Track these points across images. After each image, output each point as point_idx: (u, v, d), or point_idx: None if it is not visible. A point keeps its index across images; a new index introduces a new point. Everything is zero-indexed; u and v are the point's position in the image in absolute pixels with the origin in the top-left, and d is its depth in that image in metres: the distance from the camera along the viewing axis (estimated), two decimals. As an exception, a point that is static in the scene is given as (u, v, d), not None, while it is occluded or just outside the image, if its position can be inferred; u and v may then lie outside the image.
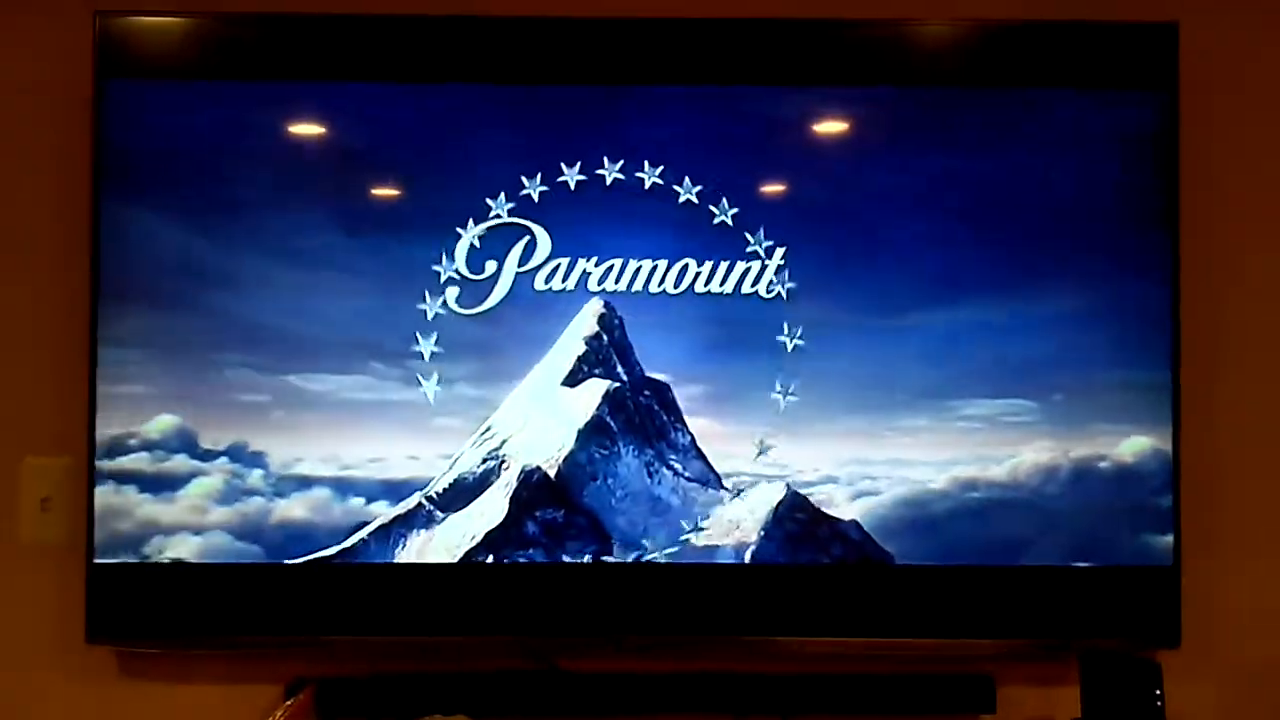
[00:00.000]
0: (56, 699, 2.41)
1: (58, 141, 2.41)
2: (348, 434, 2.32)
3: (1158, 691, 2.22)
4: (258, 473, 2.32)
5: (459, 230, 2.33)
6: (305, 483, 2.32)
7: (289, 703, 2.30)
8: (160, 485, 2.32)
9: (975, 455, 2.36)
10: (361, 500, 2.32)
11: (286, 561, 2.33)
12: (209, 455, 2.32)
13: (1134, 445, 2.37)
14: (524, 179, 2.34)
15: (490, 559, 2.32)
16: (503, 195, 2.34)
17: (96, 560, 2.32)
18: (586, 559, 2.33)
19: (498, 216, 2.33)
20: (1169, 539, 2.37)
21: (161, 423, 2.33)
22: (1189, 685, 2.38)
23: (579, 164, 2.34)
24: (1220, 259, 2.47)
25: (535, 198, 2.33)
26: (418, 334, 2.33)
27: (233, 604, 2.35)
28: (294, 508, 2.32)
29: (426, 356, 2.33)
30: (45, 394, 2.42)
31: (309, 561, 2.33)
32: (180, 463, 2.32)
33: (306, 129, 2.38)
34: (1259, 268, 2.51)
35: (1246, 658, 2.48)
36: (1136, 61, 2.39)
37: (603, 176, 2.34)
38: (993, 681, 2.43)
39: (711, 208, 2.34)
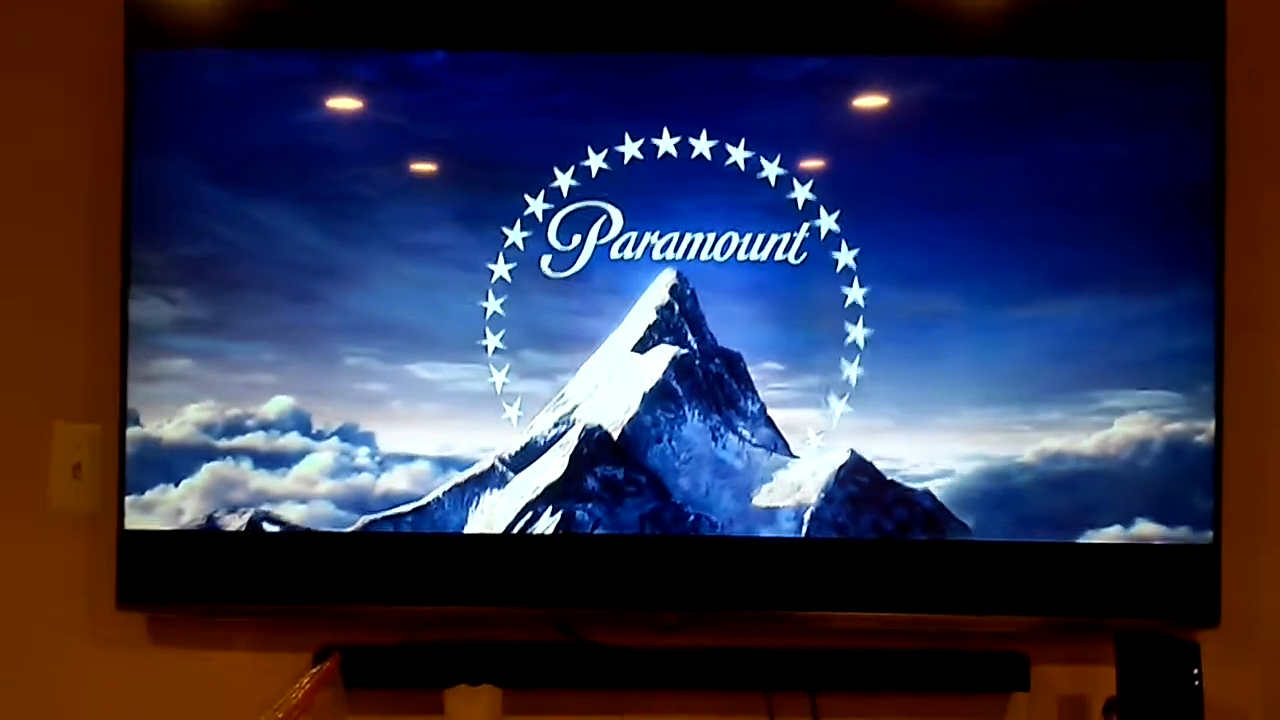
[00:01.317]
0: (87, 664, 2.43)
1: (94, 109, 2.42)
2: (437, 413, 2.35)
3: (1195, 671, 2.17)
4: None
5: (528, 199, 2.35)
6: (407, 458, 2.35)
7: (314, 670, 2.30)
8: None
9: (1008, 437, 2.34)
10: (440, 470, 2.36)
11: (314, 530, 2.34)
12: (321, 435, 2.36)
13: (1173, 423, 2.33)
14: (591, 151, 2.35)
15: (550, 511, 2.34)
16: (571, 169, 2.35)
17: (127, 527, 2.34)
18: (648, 510, 2.34)
19: (573, 189, 2.34)
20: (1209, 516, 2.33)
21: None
22: (1228, 666, 2.34)
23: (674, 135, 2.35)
24: (1265, 242, 2.43)
25: (609, 169, 2.35)
26: (490, 308, 2.35)
27: (263, 571, 2.36)
28: (392, 478, 2.36)
29: (494, 342, 2.34)
30: (77, 361, 2.43)
31: (339, 532, 2.34)
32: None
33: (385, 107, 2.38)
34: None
35: (1289, 638, 2.43)
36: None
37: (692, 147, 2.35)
38: (1027, 660, 2.39)
39: (793, 184, 2.34)
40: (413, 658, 2.38)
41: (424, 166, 2.37)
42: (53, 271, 2.45)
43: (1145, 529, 2.34)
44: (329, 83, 2.37)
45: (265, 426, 2.35)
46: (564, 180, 2.34)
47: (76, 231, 2.44)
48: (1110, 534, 2.33)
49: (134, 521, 2.34)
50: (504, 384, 2.35)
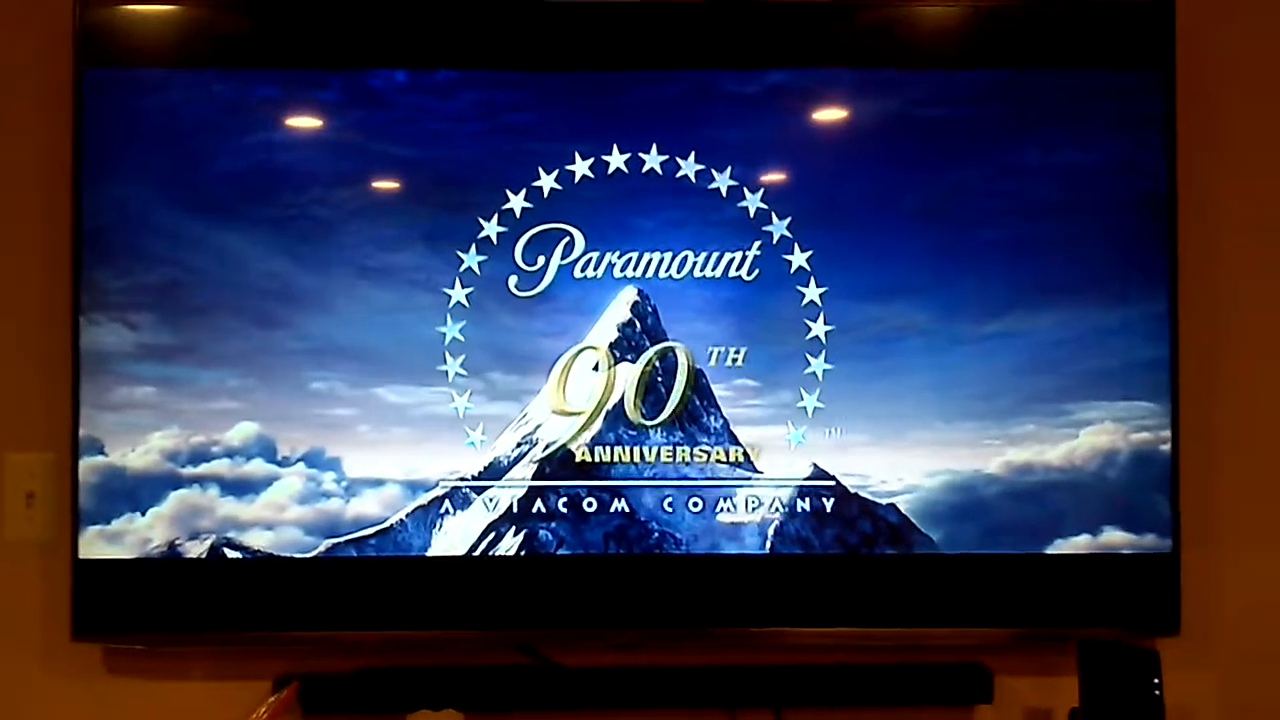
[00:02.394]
0: (43, 696, 2.38)
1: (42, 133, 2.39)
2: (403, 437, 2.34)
3: (1156, 680, 2.19)
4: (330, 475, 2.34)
5: (482, 221, 2.34)
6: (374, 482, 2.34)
7: (271, 699, 2.28)
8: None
9: (973, 451, 2.35)
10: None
11: (273, 555, 2.31)
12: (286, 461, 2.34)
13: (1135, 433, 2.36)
14: (542, 171, 2.35)
15: (513, 531, 2.33)
16: (524, 191, 2.34)
17: (82, 556, 2.30)
18: (612, 528, 2.34)
19: (525, 210, 2.34)
20: (1168, 525, 2.35)
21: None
22: (1189, 673, 2.36)
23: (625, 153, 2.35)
24: (1219, 253, 2.45)
25: (560, 189, 2.35)
26: (449, 334, 2.33)
27: (221, 599, 2.33)
28: (359, 503, 2.34)
29: (455, 366, 2.34)
30: (29, 391, 2.39)
31: (298, 557, 2.31)
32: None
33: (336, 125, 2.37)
34: (1259, 258, 2.48)
35: (1247, 645, 2.45)
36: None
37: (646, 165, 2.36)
38: (990, 672, 2.40)
39: (744, 194, 2.35)
40: (373, 684, 2.36)
41: (385, 188, 2.36)
42: (3, 298, 2.41)
43: (1107, 538, 2.35)
44: (288, 104, 2.35)
45: (230, 454, 2.33)
46: (516, 202, 2.34)
47: (28, 257, 2.40)
48: (1073, 544, 2.35)
49: (90, 551, 2.30)
50: (466, 407, 2.33)
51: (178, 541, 2.31)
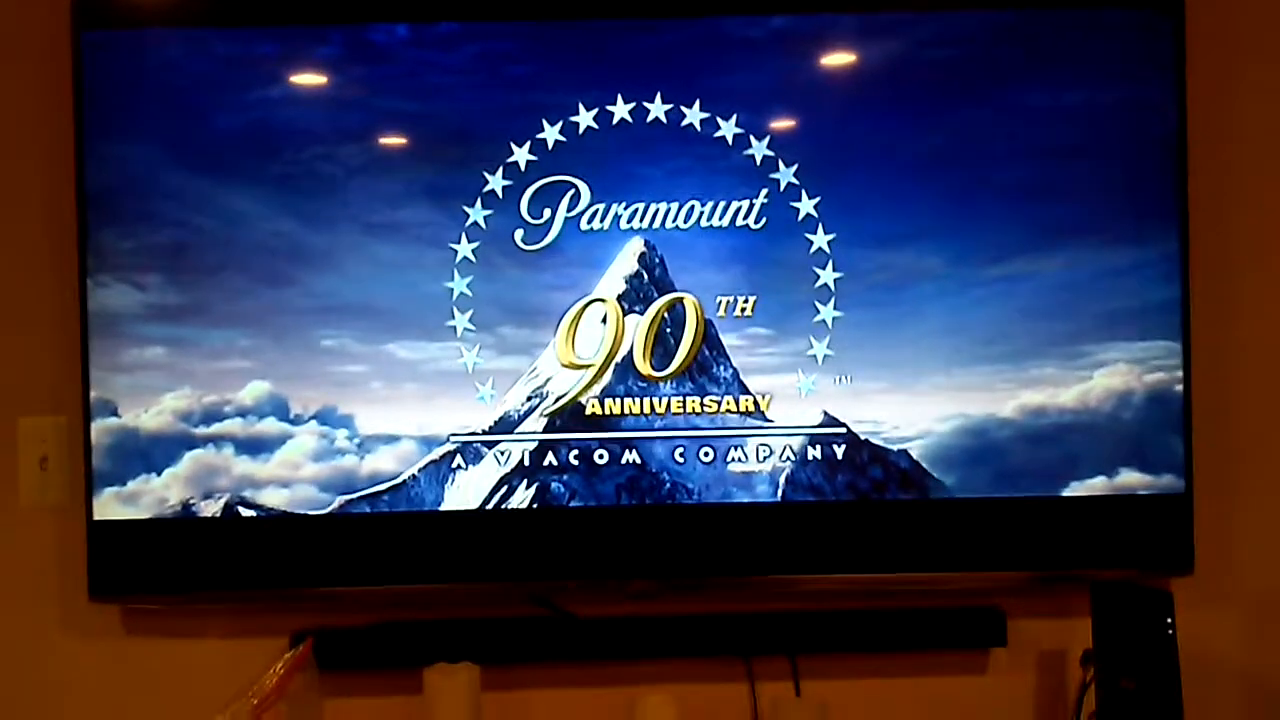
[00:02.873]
0: (62, 657, 2.40)
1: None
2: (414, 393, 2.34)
3: (1169, 620, 2.19)
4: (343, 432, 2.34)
5: (487, 176, 2.33)
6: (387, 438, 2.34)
7: (288, 655, 2.29)
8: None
9: (984, 394, 2.34)
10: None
11: (285, 513, 2.32)
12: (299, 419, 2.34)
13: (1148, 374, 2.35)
14: (546, 123, 2.33)
15: (525, 484, 2.33)
16: (528, 143, 2.33)
17: (96, 518, 2.31)
18: (624, 480, 2.34)
19: (530, 163, 2.33)
20: (1180, 466, 2.35)
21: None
22: (1203, 613, 2.37)
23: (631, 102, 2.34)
24: (1231, 192, 2.44)
25: (565, 140, 2.33)
26: (457, 288, 2.33)
27: (236, 557, 2.34)
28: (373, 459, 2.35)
29: (463, 321, 2.33)
30: (39, 354, 2.39)
31: (312, 514, 2.32)
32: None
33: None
34: (1272, 198, 2.46)
35: (1261, 585, 2.45)
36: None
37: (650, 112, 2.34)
38: (1003, 614, 2.40)
39: (750, 142, 2.33)
40: (389, 638, 2.37)
41: (389, 143, 2.34)
42: (10, 264, 2.41)
43: (1121, 480, 2.35)
44: (289, 60, 2.33)
45: (243, 413, 2.33)
46: (521, 155, 2.32)
47: (33, 221, 2.40)
48: (1086, 486, 2.35)
49: (105, 512, 2.31)
50: (475, 362, 2.33)
51: (192, 501, 2.32)
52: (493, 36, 2.34)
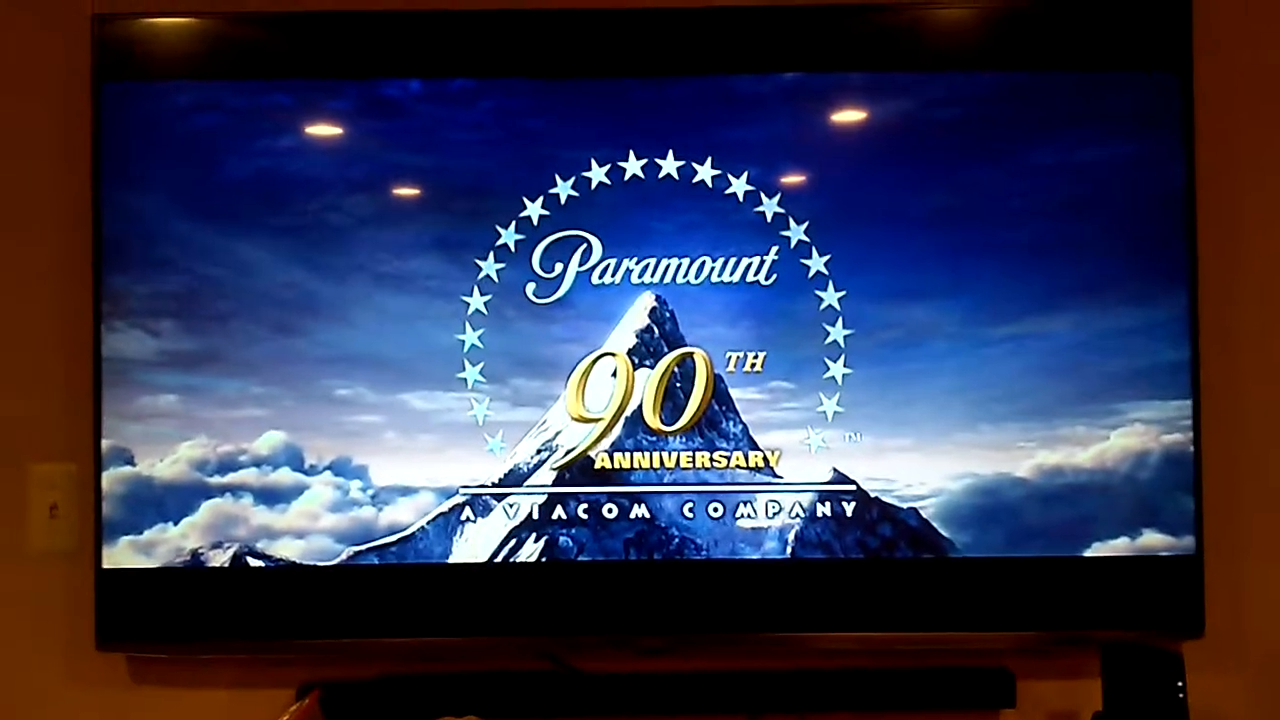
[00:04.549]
0: (68, 705, 2.40)
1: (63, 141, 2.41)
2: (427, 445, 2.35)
3: (1179, 683, 2.17)
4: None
5: (499, 229, 2.35)
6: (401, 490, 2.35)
7: (294, 707, 2.28)
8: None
9: (993, 455, 2.34)
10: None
11: (294, 564, 2.32)
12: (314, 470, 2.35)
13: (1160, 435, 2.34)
14: (559, 178, 2.35)
15: (534, 537, 2.33)
16: (540, 198, 2.35)
17: (105, 566, 2.32)
18: (633, 535, 2.33)
19: (543, 218, 2.34)
20: (1191, 527, 2.34)
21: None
22: (1214, 676, 2.35)
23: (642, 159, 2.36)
24: (1239, 251, 2.44)
25: (578, 195, 2.35)
26: (469, 340, 2.34)
27: (242, 608, 2.34)
28: (387, 511, 2.35)
29: (473, 374, 2.34)
30: (52, 401, 2.41)
31: (321, 565, 2.32)
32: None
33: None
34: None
35: (1273, 647, 2.43)
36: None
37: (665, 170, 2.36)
38: (1012, 676, 2.39)
39: (761, 199, 2.34)
40: (395, 691, 2.36)
41: (403, 196, 2.36)
42: (25, 309, 2.42)
43: (1131, 541, 2.34)
44: (304, 113, 2.36)
45: (258, 463, 2.34)
46: (534, 209, 2.34)
47: (49, 266, 2.41)
48: (1096, 547, 2.34)
49: (114, 560, 2.31)
50: (485, 414, 2.34)
51: (201, 550, 2.33)
52: (506, 93, 2.36)
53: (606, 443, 2.35)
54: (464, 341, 2.34)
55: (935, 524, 2.33)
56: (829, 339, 2.34)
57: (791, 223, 2.34)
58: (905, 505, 2.33)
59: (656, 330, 2.36)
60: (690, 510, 2.34)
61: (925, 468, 2.34)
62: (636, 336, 2.36)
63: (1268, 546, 2.43)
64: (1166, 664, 2.19)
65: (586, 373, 2.34)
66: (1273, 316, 2.46)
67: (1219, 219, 2.40)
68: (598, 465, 2.34)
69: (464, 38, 2.37)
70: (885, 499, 2.34)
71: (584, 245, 2.34)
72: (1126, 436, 2.34)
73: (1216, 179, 2.40)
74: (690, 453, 2.35)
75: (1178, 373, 2.34)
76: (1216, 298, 2.39)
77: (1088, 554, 2.34)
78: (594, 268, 2.34)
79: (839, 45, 2.37)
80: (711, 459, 2.35)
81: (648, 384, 2.35)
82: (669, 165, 2.35)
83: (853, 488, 2.34)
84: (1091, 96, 2.35)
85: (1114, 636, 2.29)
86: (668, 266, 2.34)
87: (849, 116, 2.38)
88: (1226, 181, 2.42)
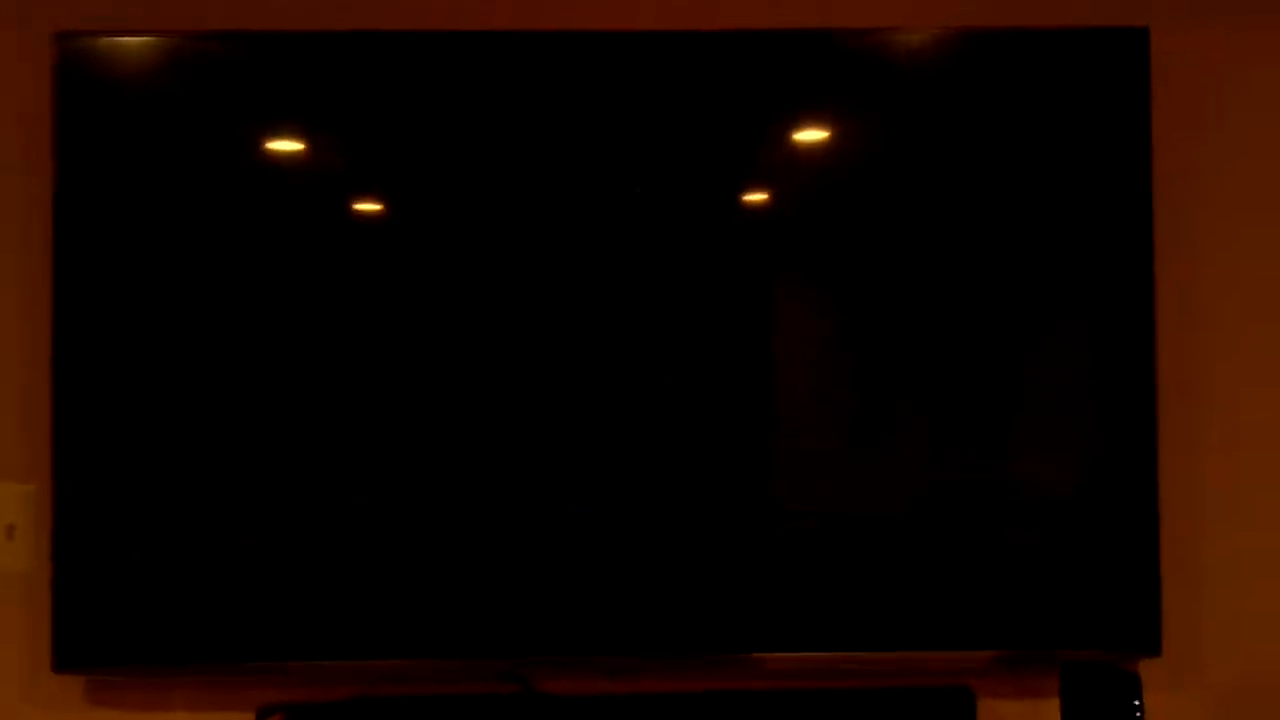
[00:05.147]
0: (23, 729, 2.38)
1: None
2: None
3: (1136, 703, 2.20)
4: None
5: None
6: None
7: (257, 730, 2.28)
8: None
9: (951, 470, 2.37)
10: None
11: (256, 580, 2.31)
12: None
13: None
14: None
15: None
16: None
17: (61, 587, 2.29)
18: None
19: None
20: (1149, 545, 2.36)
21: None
22: (1171, 695, 2.38)
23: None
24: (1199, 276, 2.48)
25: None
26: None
27: (201, 629, 2.32)
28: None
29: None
30: (9, 420, 2.39)
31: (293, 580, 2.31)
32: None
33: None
34: (1239, 281, 2.49)
35: (1230, 667, 2.46)
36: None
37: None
38: (973, 694, 2.40)
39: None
40: (359, 714, 2.35)
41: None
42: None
43: (1088, 557, 2.36)
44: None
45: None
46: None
47: (7, 288, 2.41)
48: (1054, 564, 2.36)
49: (69, 581, 2.29)
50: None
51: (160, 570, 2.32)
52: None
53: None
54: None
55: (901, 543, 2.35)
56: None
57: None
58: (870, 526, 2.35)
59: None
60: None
61: (888, 490, 2.36)
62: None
63: (1226, 565, 2.46)
64: (1124, 683, 2.21)
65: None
66: (1226, 309, 2.47)
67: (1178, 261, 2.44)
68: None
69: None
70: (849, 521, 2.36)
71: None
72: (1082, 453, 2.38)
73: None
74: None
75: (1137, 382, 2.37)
76: (1171, 293, 2.42)
77: (1047, 572, 2.35)
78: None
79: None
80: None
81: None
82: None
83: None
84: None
85: (1074, 655, 2.31)
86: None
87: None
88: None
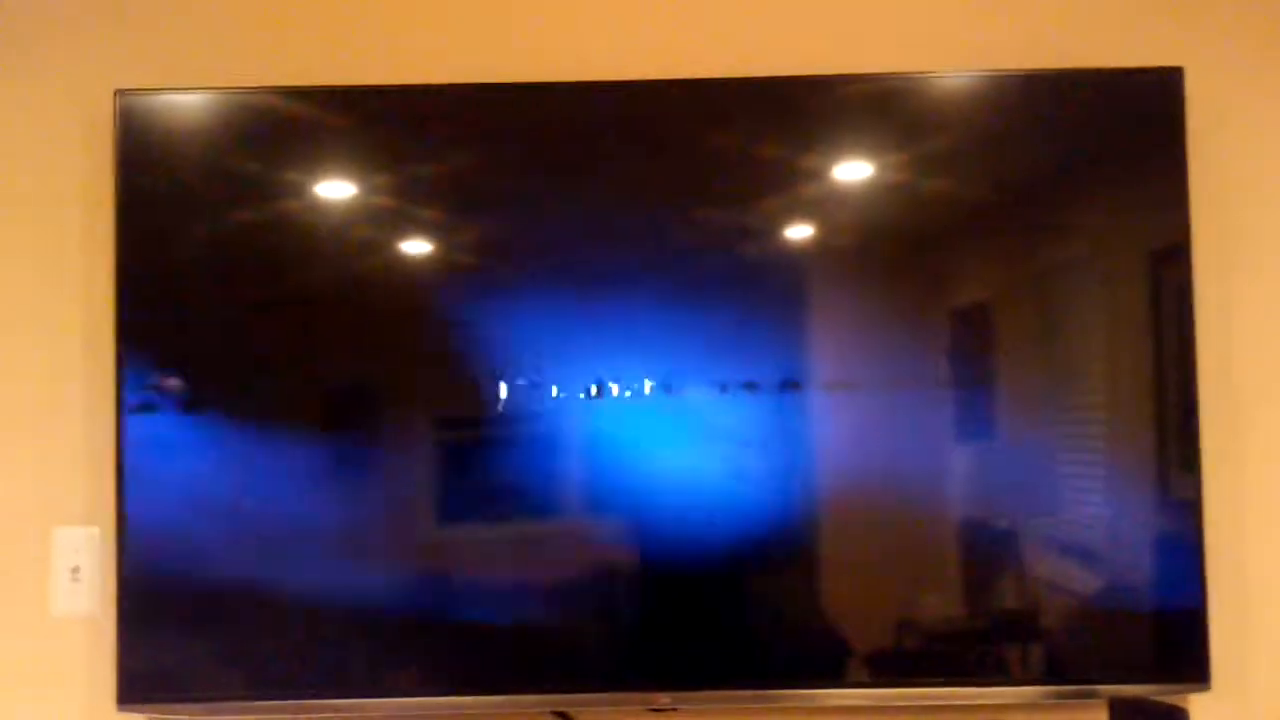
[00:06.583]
0: (90, 766, 2.43)
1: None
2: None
3: (1184, 736, 2.20)
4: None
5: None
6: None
7: (316, 765, 2.31)
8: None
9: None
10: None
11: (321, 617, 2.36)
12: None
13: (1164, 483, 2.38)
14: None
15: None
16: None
17: (126, 628, 2.35)
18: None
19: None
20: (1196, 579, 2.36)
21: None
22: (1222, 726, 2.37)
23: None
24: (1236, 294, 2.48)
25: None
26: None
27: (257, 667, 2.37)
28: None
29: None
30: (76, 465, 2.45)
31: (342, 620, 2.36)
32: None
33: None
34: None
35: (1278, 699, 2.45)
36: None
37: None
38: (1022, 729, 2.41)
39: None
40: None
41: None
42: (48, 373, 2.47)
43: (1136, 593, 2.37)
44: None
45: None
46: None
47: (71, 335, 2.47)
48: (1102, 599, 2.36)
49: (134, 622, 2.35)
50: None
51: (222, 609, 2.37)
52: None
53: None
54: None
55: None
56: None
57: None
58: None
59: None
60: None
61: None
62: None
63: (1274, 598, 2.45)
64: (1171, 718, 2.21)
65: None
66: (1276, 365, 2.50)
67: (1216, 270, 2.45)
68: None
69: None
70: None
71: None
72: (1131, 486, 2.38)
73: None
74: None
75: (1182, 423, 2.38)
76: (1217, 351, 2.43)
77: (1095, 606, 2.36)
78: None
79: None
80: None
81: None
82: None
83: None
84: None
85: (1121, 690, 2.31)
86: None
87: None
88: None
